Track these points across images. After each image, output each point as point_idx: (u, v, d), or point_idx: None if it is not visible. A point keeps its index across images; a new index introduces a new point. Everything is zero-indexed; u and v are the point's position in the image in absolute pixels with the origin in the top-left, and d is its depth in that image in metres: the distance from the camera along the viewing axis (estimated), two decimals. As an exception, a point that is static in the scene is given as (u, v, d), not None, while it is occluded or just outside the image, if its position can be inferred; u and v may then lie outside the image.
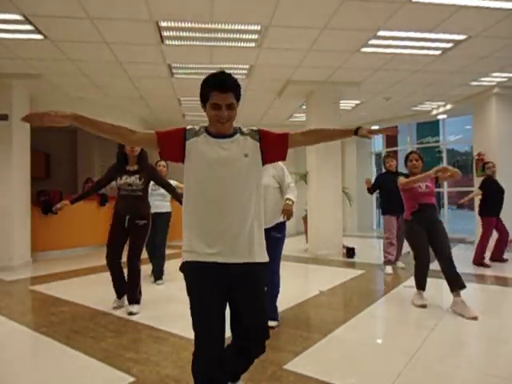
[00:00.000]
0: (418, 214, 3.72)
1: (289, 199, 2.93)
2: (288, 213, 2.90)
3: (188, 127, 1.74)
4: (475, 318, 3.27)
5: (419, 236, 3.68)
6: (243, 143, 1.71)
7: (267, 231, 2.95)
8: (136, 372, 2.38)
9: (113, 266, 3.64)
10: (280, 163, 3.06)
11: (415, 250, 3.79)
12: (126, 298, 3.69)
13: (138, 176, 3.57)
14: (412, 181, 3.69)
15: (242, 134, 1.74)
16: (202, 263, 1.63)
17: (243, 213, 1.67)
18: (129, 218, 3.57)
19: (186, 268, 1.69)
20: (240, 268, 1.66)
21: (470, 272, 5.16)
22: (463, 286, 3.48)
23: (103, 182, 3.75)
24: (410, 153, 3.95)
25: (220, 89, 1.62)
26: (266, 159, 1.75)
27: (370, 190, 5.74)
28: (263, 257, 1.74)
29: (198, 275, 1.66)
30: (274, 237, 3.02)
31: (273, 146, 1.75)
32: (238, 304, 1.72)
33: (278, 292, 3.21)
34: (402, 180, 3.78)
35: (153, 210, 4.72)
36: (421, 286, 3.77)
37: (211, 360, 1.62)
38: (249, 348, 1.77)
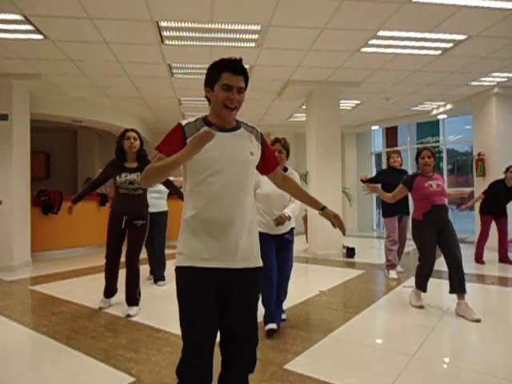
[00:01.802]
0: (430, 216, 3.58)
1: (286, 213, 2.93)
2: (279, 222, 2.87)
3: (183, 123, 1.57)
4: (478, 321, 3.25)
5: (429, 238, 3.59)
6: (249, 140, 1.62)
7: (282, 235, 3.02)
8: (136, 372, 2.38)
9: (112, 265, 3.63)
10: (295, 173, 3.12)
11: (422, 252, 3.69)
12: (113, 298, 3.72)
13: (139, 174, 3.44)
14: (393, 196, 3.79)
15: (247, 128, 1.65)
16: (199, 269, 1.51)
17: (244, 214, 1.58)
18: (127, 219, 3.51)
19: (180, 273, 1.56)
20: (239, 273, 1.57)
21: (470, 272, 5.16)
22: (465, 292, 3.46)
23: (101, 180, 3.71)
24: (423, 149, 3.77)
25: (233, 70, 1.53)
26: (260, 165, 1.71)
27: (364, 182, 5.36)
28: (260, 261, 1.67)
29: (193, 281, 1.54)
30: (288, 240, 3.08)
31: (267, 160, 1.73)
32: (230, 310, 1.59)
33: (285, 298, 3.26)
34: (386, 196, 3.83)
35: (151, 210, 4.74)
36: (422, 287, 3.73)
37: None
38: (239, 356, 1.61)
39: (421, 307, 3.65)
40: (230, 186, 1.53)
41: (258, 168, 1.72)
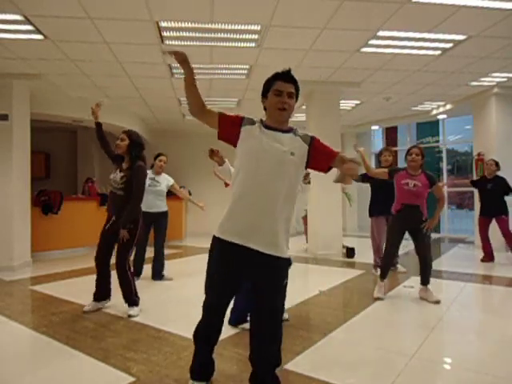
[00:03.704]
0: (401, 213, 3.88)
1: None
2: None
3: (246, 116, 1.88)
4: (438, 302, 3.71)
5: (397, 235, 3.94)
6: (293, 142, 1.82)
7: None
8: (136, 372, 2.38)
9: (100, 267, 3.56)
10: None
11: (388, 244, 4.03)
12: (104, 301, 3.66)
13: (122, 174, 3.45)
14: (372, 170, 4.09)
15: (295, 134, 1.87)
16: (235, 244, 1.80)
17: (273, 204, 1.76)
18: (114, 221, 3.48)
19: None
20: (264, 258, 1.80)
21: (470, 272, 5.17)
22: (428, 283, 3.91)
23: (110, 152, 3.73)
24: (413, 146, 3.97)
25: (283, 78, 1.83)
26: (310, 165, 1.88)
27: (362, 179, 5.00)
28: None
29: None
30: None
31: (320, 157, 1.87)
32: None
33: None
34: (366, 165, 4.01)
35: (152, 210, 4.75)
36: (384, 275, 4.03)
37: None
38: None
39: (380, 299, 3.92)
40: (265, 175, 1.76)
41: (318, 165, 1.91)
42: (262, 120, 1.88)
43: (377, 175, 4.09)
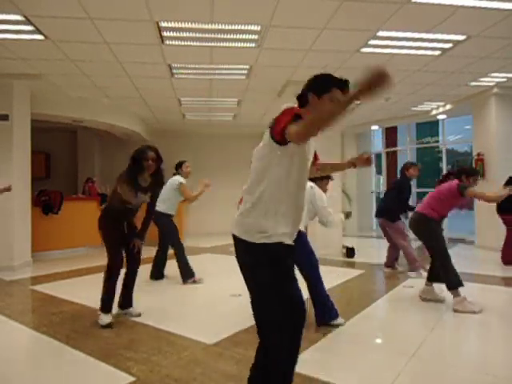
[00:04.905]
0: (441, 221, 3.91)
1: None
2: None
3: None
4: (442, 301, 3.75)
5: (443, 239, 3.88)
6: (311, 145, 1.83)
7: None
8: (136, 372, 2.39)
9: (118, 271, 3.41)
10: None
11: (444, 251, 3.73)
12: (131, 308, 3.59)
13: (150, 194, 3.45)
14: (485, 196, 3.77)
15: None
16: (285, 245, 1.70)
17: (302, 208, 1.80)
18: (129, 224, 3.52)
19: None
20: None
21: (471, 272, 5.17)
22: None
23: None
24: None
25: (343, 89, 1.74)
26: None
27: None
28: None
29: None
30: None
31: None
32: None
33: None
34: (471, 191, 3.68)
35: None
36: (459, 282, 3.63)
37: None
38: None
39: (479, 312, 3.50)
40: (305, 177, 1.80)
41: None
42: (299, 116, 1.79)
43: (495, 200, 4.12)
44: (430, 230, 3.79)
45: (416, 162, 6.02)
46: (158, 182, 3.45)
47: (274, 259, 1.64)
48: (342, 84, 1.76)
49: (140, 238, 3.47)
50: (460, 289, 3.56)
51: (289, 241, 1.70)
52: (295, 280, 1.70)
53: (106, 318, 3.22)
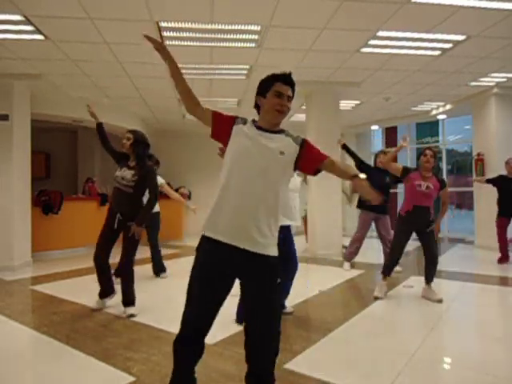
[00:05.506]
0: (410, 215, 3.85)
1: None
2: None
3: (239, 116, 1.86)
4: (440, 301, 3.72)
5: (405, 235, 3.94)
6: (283, 142, 1.81)
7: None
8: (136, 372, 2.39)
9: (99, 264, 3.56)
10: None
11: (397, 244, 4.01)
12: (109, 297, 3.70)
13: (133, 172, 3.52)
14: (390, 155, 3.97)
15: (287, 135, 1.86)
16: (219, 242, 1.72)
17: (258, 202, 1.72)
18: (120, 219, 3.49)
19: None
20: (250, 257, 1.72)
21: (470, 272, 5.17)
22: (432, 280, 3.94)
23: (114, 151, 3.86)
24: (428, 148, 3.96)
25: (284, 80, 1.83)
26: (299, 166, 1.84)
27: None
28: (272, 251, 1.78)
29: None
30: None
31: (310, 158, 1.84)
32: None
33: None
34: (382, 157, 3.93)
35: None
36: (388, 272, 4.06)
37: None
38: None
39: (380, 298, 3.94)
40: (253, 173, 1.72)
41: (306, 167, 1.87)
42: (254, 120, 1.88)
43: (390, 168, 3.99)
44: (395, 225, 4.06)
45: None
46: (140, 166, 3.55)
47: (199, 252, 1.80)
48: (281, 76, 1.84)
49: (136, 224, 3.43)
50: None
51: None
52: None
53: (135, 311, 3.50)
